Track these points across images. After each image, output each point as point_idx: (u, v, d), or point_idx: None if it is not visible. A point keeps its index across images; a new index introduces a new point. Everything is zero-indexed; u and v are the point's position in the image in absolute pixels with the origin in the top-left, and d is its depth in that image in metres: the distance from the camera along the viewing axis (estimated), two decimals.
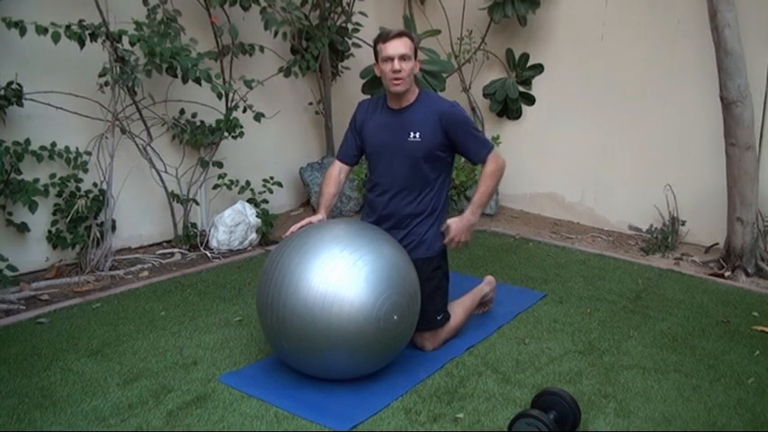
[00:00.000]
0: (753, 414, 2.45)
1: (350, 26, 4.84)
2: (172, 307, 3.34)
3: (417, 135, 2.79)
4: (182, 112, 4.17)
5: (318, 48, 4.56)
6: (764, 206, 3.92)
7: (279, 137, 4.86)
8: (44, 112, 3.61)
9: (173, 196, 4.15)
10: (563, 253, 4.21)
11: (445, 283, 2.94)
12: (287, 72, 4.53)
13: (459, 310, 3.00)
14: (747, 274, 3.78)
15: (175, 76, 3.74)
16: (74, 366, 2.73)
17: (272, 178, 4.52)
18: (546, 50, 4.81)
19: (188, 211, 4.24)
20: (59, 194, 3.72)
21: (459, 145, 2.82)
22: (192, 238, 4.21)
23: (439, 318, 2.87)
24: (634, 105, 4.45)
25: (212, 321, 3.18)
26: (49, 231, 3.73)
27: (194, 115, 4.23)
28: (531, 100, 4.94)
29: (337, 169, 3.02)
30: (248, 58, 4.28)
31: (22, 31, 3.29)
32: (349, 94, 4.99)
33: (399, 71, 2.71)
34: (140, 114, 3.89)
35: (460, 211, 4.87)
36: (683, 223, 4.32)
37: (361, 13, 4.77)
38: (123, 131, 3.86)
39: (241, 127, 4.20)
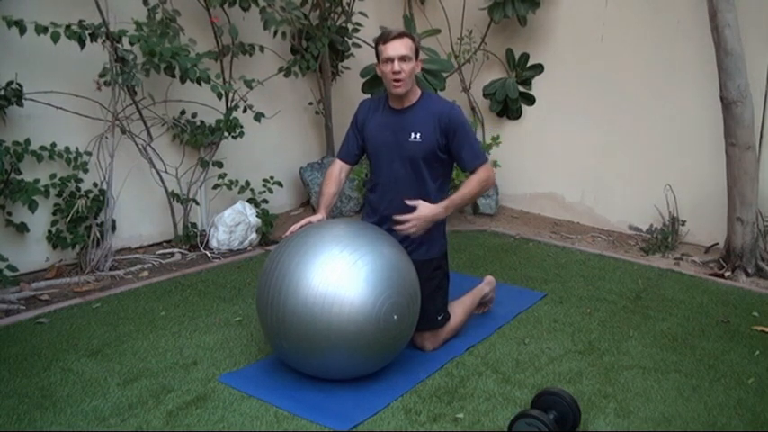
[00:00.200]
0: (753, 414, 2.45)
1: (350, 26, 4.84)
2: (172, 307, 3.34)
3: (418, 136, 2.79)
4: (182, 112, 4.17)
5: (318, 48, 4.56)
6: (764, 206, 3.92)
7: (279, 137, 4.86)
8: (44, 112, 3.61)
9: (173, 196, 4.15)
10: (563, 253, 4.21)
11: (445, 284, 2.94)
12: (287, 72, 4.53)
13: (459, 309, 3.00)
14: (747, 274, 3.78)
15: (173, 76, 3.74)
16: (74, 366, 2.73)
17: (272, 178, 4.52)
18: (546, 50, 4.81)
19: (188, 211, 4.24)
20: (59, 194, 3.72)
21: (453, 148, 2.80)
22: (192, 238, 4.21)
23: (439, 318, 2.87)
24: (634, 105, 4.45)
25: (212, 321, 3.18)
26: (49, 231, 3.73)
27: (194, 115, 4.23)
28: (531, 100, 4.94)
29: (338, 168, 3.01)
30: (248, 58, 4.28)
31: (22, 31, 3.29)
32: (349, 94, 4.99)
33: (399, 72, 2.71)
34: (140, 114, 3.89)
35: (461, 211, 4.95)
36: (683, 223, 4.32)
37: (361, 13, 4.77)
38: (123, 131, 3.86)
39: (241, 127, 4.20)
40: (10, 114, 3.51)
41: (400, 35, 2.73)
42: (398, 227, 2.68)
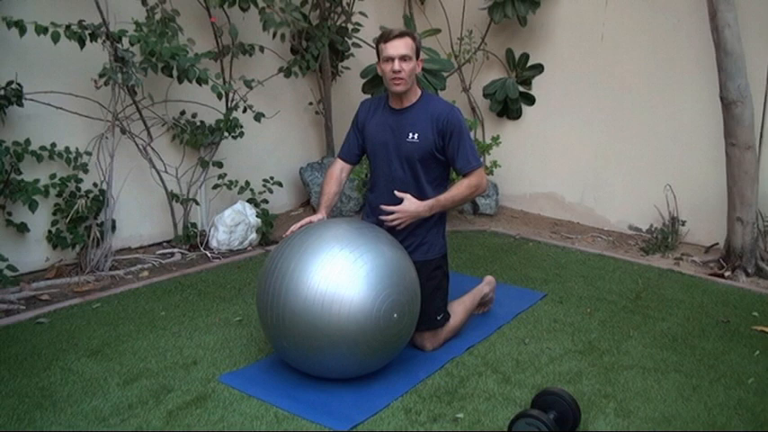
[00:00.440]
0: (753, 414, 2.45)
1: (350, 26, 4.84)
2: (172, 307, 3.34)
3: (416, 136, 2.79)
4: (182, 112, 4.17)
5: (318, 48, 4.56)
6: (764, 206, 3.92)
7: (279, 137, 4.86)
8: (44, 112, 3.61)
9: (173, 196, 4.15)
10: (563, 253, 4.21)
11: (445, 284, 2.94)
12: (287, 72, 4.53)
13: (459, 309, 3.00)
14: (747, 274, 3.78)
15: (171, 76, 3.73)
16: (74, 366, 2.74)
17: (272, 178, 4.52)
18: (546, 50, 4.81)
19: (188, 211, 4.24)
20: (59, 194, 3.72)
21: (448, 151, 2.80)
22: (192, 238, 4.21)
23: (439, 318, 2.87)
24: (634, 105, 4.45)
25: (212, 321, 3.18)
26: (49, 231, 3.73)
27: (194, 115, 4.23)
28: (531, 100, 4.94)
29: (339, 168, 3.02)
30: (248, 58, 4.28)
31: (22, 31, 3.29)
32: (349, 94, 4.99)
33: (399, 71, 2.71)
34: (140, 114, 3.89)
35: (461, 211, 4.95)
36: (683, 223, 4.32)
37: (361, 13, 4.77)
38: (123, 131, 3.86)
39: (241, 127, 4.20)
40: (10, 114, 3.51)
41: (401, 34, 2.73)
42: (384, 217, 2.73)
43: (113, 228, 3.95)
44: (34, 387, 2.57)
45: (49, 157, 3.64)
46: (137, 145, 3.92)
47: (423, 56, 3.01)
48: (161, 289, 3.55)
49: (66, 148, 3.68)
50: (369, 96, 3.84)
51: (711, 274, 3.84)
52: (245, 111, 4.18)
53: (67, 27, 3.40)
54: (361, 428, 2.36)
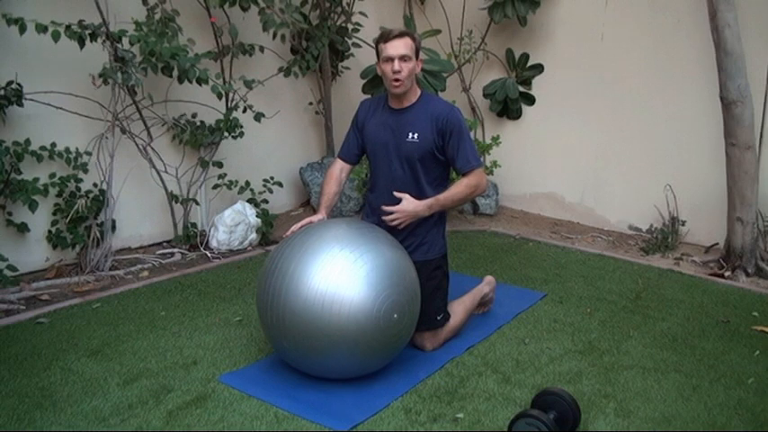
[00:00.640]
0: (753, 414, 2.45)
1: (350, 26, 4.84)
2: (172, 307, 3.33)
3: (415, 136, 2.79)
4: (182, 113, 4.17)
5: (318, 48, 4.56)
6: (764, 206, 3.92)
7: (279, 137, 4.86)
8: (44, 112, 3.61)
9: (173, 196, 4.15)
10: (563, 253, 4.21)
11: (445, 284, 2.94)
12: (287, 72, 4.53)
13: (459, 309, 3.00)
14: (747, 274, 3.78)
15: (171, 76, 3.73)
16: (74, 366, 2.73)
17: (272, 178, 4.52)
18: (546, 50, 4.81)
19: (188, 211, 4.24)
20: (59, 194, 3.72)
21: (447, 150, 2.79)
22: (192, 238, 4.21)
23: (439, 318, 2.87)
24: (634, 105, 4.45)
25: (212, 321, 3.18)
26: (49, 231, 3.73)
27: (194, 115, 4.23)
28: (531, 100, 4.94)
29: (338, 168, 3.01)
30: (248, 58, 4.28)
31: (22, 29, 3.29)
32: (349, 94, 4.99)
33: (399, 72, 2.71)
34: (140, 114, 3.89)
35: (461, 211, 4.95)
36: (683, 223, 4.32)
37: (361, 13, 4.77)
38: (123, 131, 3.86)
39: (241, 127, 4.21)
40: (10, 114, 3.51)
41: (401, 34, 2.73)
42: (385, 217, 2.74)
43: (113, 228, 3.95)
44: (34, 387, 2.57)
45: (48, 157, 3.64)
46: (137, 145, 3.92)
47: (422, 56, 3.01)
48: (161, 289, 3.55)
49: (66, 148, 3.68)
50: (369, 96, 3.84)
51: (711, 274, 3.84)
52: (245, 111, 4.18)
53: (67, 27, 3.40)
54: (361, 428, 2.36)
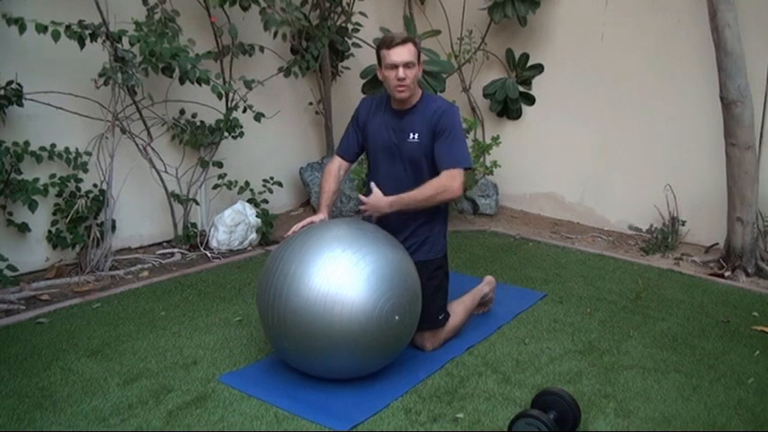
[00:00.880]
0: (753, 414, 2.45)
1: (350, 26, 4.84)
2: (172, 307, 3.33)
3: (416, 136, 2.79)
4: (182, 112, 4.17)
5: (318, 48, 4.56)
6: (764, 206, 3.92)
7: (279, 137, 4.86)
8: (44, 112, 3.61)
9: (173, 196, 4.15)
10: (563, 253, 4.21)
11: (446, 284, 2.94)
12: (287, 72, 4.53)
13: (459, 309, 3.00)
14: (747, 274, 3.78)
15: (171, 77, 3.73)
16: (74, 366, 2.73)
17: (272, 178, 4.52)
18: (546, 50, 4.81)
19: (188, 211, 4.24)
20: (59, 194, 3.72)
21: (435, 145, 2.75)
22: (192, 238, 4.21)
23: (439, 318, 2.87)
24: (634, 105, 4.45)
25: (212, 321, 3.18)
26: (49, 231, 3.73)
27: (194, 115, 4.23)
28: (531, 100, 4.94)
29: (336, 165, 3.01)
30: (248, 58, 4.28)
31: (22, 29, 3.29)
32: (349, 94, 4.99)
33: (404, 79, 2.71)
34: (140, 114, 3.89)
35: (461, 211, 4.95)
36: (683, 223, 4.32)
37: (361, 13, 4.77)
38: (123, 131, 3.86)
39: (241, 127, 4.20)
40: (10, 114, 3.51)
41: (404, 41, 2.71)
42: (360, 206, 2.80)
43: (113, 228, 3.95)
44: (34, 387, 2.57)
45: (48, 158, 3.64)
46: (137, 145, 3.92)
47: (423, 57, 3.01)
48: (161, 289, 3.55)
49: (66, 149, 3.68)
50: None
51: (711, 274, 3.84)
52: (245, 111, 4.18)
53: (67, 27, 3.40)
54: (361, 428, 2.36)
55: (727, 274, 3.81)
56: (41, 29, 3.32)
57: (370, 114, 2.93)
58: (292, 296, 2.42)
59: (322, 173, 3.30)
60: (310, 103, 5.06)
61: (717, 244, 4.18)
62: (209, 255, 4.09)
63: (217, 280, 3.70)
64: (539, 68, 4.85)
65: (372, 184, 2.82)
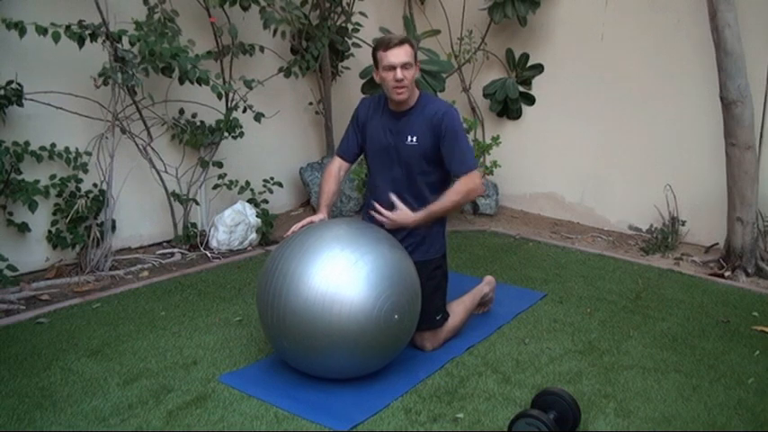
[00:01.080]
0: (753, 414, 2.45)
1: (350, 26, 4.84)
2: (172, 307, 3.34)
3: (414, 139, 2.79)
4: (181, 112, 4.17)
5: (318, 48, 4.56)
6: (764, 206, 3.92)
7: (279, 137, 4.86)
8: (44, 112, 3.61)
9: (173, 196, 4.15)
10: (563, 253, 4.21)
11: (444, 283, 2.94)
12: (287, 72, 4.53)
13: (458, 309, 3.00)
14: (747, 274, 3.78)
15: (171, 77, 3.73)
16: (74, 366, 2.74)
17: (272, 178, 4.52)
18: (546, 50, 4.81)
19: (188, 211, 4.24)
20: (59, 195, 3.72)
21: (443, 151, 2.77)
22: (192, 238, 4.21)
23: (438, 317, 2.87)
24: (634, 105, 4.45)
25: (212, 321, 3.18)
26: (49, 231, 3.73)
27: (194, 115, 4.23)
28: (531, 100, 4.94)
29: (337, 166, 3.01)
30: (248, 58, 4.28)
31: (22, 33, 3.29)
32: (349, 94, 4.99)
33: (402, 80, 2.70)
34: (140, 114, 3.89)
35: (461, 211, 4.94)
36: (683, 223, 4.32)
37: (361, 13, 4.77)
38: (123, 131, 3.86)
39: (241, 127, 4.21)
40: (10, 114, 3.51)
41: (401, 42, 2.71)
42: (374, 213, 2.75)
43: (113, 228, 3.95)
44: (34, 387, 2.57)
45: (48, 158, 3.64)
46: (137, 145, 3.92)
47: (421, 56, 3.01)
48: (161, 289, 3.55)
49: (66, 149, 3.68)
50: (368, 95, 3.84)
51: (711, 274, 3.84)
52: (245, 111, 4.18)
53: (67, 27, 3.40)
54: (361, 428, 2.36)
55: (727, 274, 3.81)
56: (41, 31, 3.32)
57: (370, 115, 2.93)
58: (292, 296, 2.42)
59: (322, 173, 3.31)
60: (310, 103, 5.06)
61: (717, 244, 4.18)
62: (209, 255, 4.09)
63: (217, 280, 3.70)
64: (539, 68, 4.85)
65: (394, 198, 2.77)
